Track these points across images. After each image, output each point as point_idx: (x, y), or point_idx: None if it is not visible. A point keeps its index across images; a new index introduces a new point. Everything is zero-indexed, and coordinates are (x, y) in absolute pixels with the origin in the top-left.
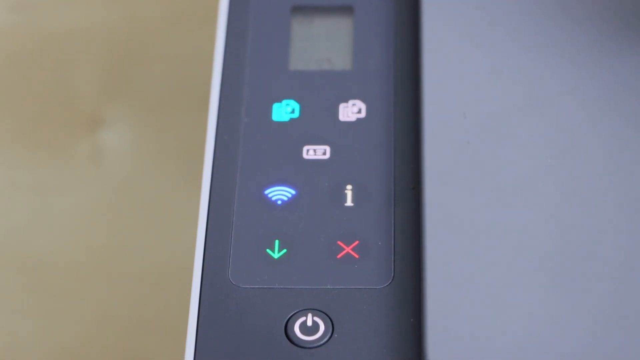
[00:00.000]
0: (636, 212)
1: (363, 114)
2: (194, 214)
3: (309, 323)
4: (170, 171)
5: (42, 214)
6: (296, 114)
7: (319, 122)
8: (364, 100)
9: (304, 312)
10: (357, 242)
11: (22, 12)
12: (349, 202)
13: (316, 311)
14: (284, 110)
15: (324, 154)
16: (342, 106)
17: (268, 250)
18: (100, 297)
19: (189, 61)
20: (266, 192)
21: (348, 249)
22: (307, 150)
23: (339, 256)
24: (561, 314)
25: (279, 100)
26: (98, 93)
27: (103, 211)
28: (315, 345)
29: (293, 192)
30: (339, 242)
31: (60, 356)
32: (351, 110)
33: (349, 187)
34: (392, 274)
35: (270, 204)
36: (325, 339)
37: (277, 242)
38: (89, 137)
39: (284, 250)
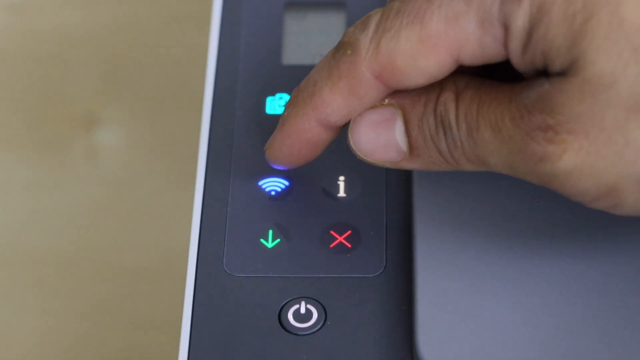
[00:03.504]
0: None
1: None
2: (188, 211)
3: (302, 311)
4: (165, 169)
5: (38, 212)
6: None
7: None
8: None
9: (297, 300)
10: (349, 232)
11: (18, 13)
12: (341, 193)
13: (309, 299)
14: (278, 104)
15: None
16: None
17: (262, 240)
18: (96, 293)
19: (183, 61)
20: (260, 183)
21: (341, 239)
22: None
23: (331, 246)
24: (548, 302)
25: (273, 94)
26: (93, 92)
27: (99, 209)
28: (309, 332)
29: (286, 183)
30: (331, 232)
31: (55, 351)
32: None
33: (341, 178)
34: (384, 263)
35: (264, 195)
36: (318, 327)
37: (270, 232)
38: (85, 136)
39: (278, 240)
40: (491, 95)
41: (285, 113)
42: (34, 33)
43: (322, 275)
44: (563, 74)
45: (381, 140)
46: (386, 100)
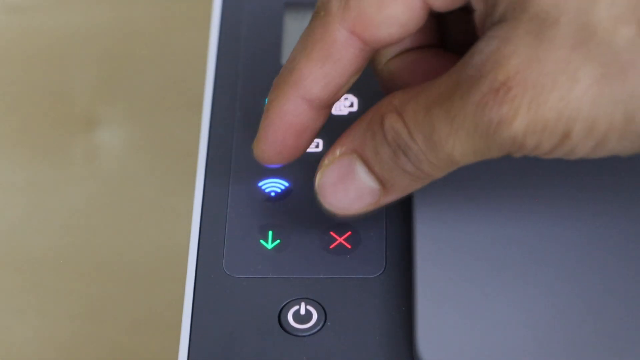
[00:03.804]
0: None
1: (355, 108)
2: (188, 212)
3: (302, 312)
4: (164, 170)
5: (37, 212)
6: None
7: None
8: (356, 94)
9: (297, 301)
10: (349, 233)
11: (17, 14)
12: None
13: (309, 300)
14: None
15: (317, 146)
16: None
17: (262, 241)
18: (95, 294)
19: (183, 61)
20: (260, 184)
21: (340, 240)
22: None
23: (331, 246)
24: (548, 302)
25: None
26: (93, 93)
27: (98, 209)
28: (308, 333)
29: (286, 184)
30: (331, 233)
31: (55, 353)
32: (343, 104)
33: None
34: (384, 264)
35: (264, 196)
36: (318, 327)
37: (270, 233)
38: (84, 136)
39: (278, 241)
40: (434, 93)
41: (268, 99)
42: (34, 33)
43: (322, 276)
44: (511, 18)
45: (351, 191)
46: (337, 152)
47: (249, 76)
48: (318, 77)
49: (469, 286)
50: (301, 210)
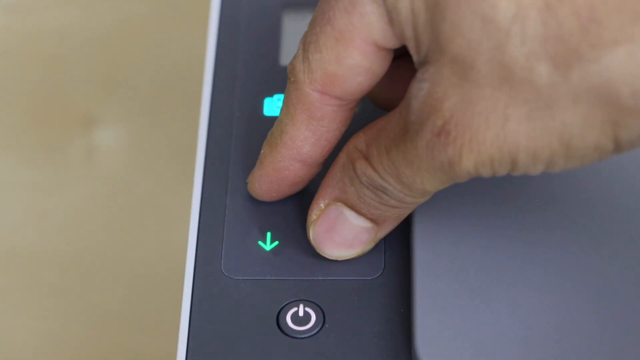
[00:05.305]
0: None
1: None
2: (186, 211)
3: (301, 313)
4: (163, 169)
5: (36, 212)
6: None
7: None
8: None
9: (295, 302)
10: None
11: (15, 13)
12: None
13: (308, 302)
14: (276, 105)
15: None
16: None
17: (260, 243)
18: (94, 294)
19: (181, 60)
20: None
21: None
22: None
23: None
24: (546, 304)
25: (271, 95)
26: (91, 92)
27: (97, 209)
28: (307, 335)
29: None
30: None
31: (54, 353)
32: None
33: None
34: (383, 266)
35: None
36: (317, 329)
37: (269, 234)
38: (83, 136)
39: (276, 242)
40: (390, 134)
41: (262, 152)
42: (33, 33)
43: (320, 278)
44: (434, 60)
45: (347, 235)
46: (322, 205)
47: (248, 76)
48: (307, 136)
49: (467, 288)
50: (300, 211)
